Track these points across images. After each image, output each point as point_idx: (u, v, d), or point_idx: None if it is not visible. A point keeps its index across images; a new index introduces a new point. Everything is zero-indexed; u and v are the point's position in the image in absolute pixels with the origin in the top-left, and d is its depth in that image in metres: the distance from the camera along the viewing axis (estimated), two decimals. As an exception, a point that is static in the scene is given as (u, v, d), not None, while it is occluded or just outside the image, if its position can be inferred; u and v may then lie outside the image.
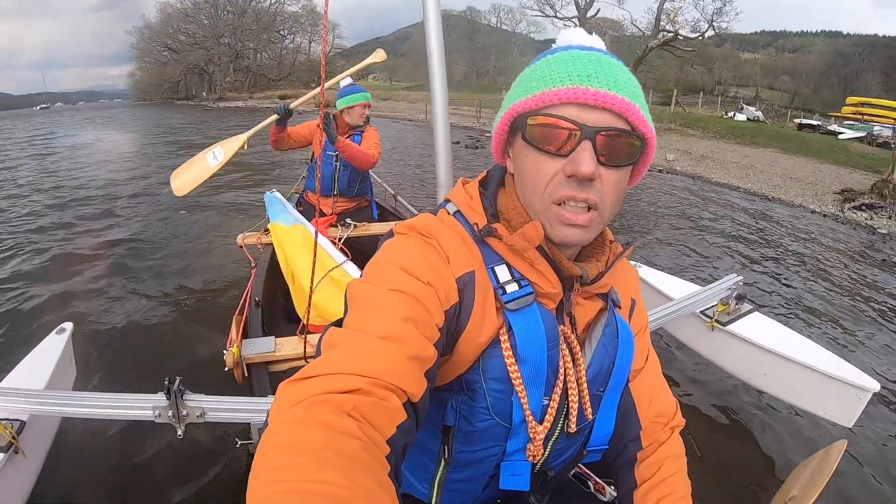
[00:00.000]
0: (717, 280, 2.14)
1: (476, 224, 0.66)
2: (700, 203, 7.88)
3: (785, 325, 2.09)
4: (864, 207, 8.30)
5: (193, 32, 49.17)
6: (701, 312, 2.11)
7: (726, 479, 1.96)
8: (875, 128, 19.29)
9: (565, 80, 0.57)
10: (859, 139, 17.85)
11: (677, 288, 2.34)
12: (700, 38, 18.17)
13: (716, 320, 2.08)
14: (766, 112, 25.39)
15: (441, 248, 0.64)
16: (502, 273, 0.65)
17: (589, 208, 0.60)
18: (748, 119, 22.35)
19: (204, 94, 46.87)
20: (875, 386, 1.73)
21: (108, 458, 1.92)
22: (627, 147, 0.59)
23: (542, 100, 0.58)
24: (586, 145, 0.56)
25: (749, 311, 2.12)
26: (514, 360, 0.63)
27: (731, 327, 2.05)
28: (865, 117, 23.13)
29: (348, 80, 2.86)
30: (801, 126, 21.10)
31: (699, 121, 18.00)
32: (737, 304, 2.10)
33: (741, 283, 2.12)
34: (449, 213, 0.70)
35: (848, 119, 23.59)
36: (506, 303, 0.64)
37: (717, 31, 18.87)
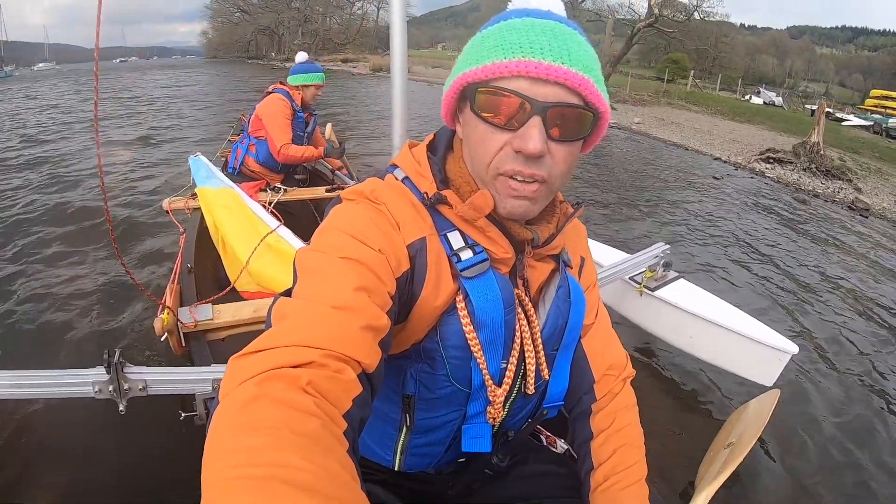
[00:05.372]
0: (645, 248, 2.18)
1: (426, 192, 0.66)
2: (622, 145, 10.36)
3: (702, 286, 2.17)
4: (771, 160, 10.53)
5: (265, -5, 52.50)
6: (630, 279, 2.16)
7: (661, 425, 1.96)
8: (891, 120, 20.37)
9: (517, 51, 0.55)
10: (864, 127, 19.11)
11: (606, 254, 2.39)
12: (686, 20, 19.94)
13: (644, 286, 2.12)
14: (787, 99, 26.16)
15: (391, 214, 0.63)
16: (455, 240, 0.65)
17: (535, 181, 0.60)
18: (764, 103, 23.33)
19: (273, 54, 49.56)
20: (794, 349, 1.79)
21: (44, 440, 1.82)
22: (579, 122, 0.58)
23: (493, 71, 0.57)
24: (536, 121, 0.56)
25: (675, 278, 2.18)
26: (472, 326, 0.64)
27: (658, 293, 2.11)
28: (888, 110, 23.86)
29: (304, 56, 2.89)
30: (813, 112, 22.31)
31: (708, 99, 19.50)
32: (664, 270, 2.16)
33: (668, 252, 2.16)
34: (397, 179, 0.69)
35: (872, 111, 24.35)
36: (461, 270, 0.64)
37: (701, 15, 20.52)
